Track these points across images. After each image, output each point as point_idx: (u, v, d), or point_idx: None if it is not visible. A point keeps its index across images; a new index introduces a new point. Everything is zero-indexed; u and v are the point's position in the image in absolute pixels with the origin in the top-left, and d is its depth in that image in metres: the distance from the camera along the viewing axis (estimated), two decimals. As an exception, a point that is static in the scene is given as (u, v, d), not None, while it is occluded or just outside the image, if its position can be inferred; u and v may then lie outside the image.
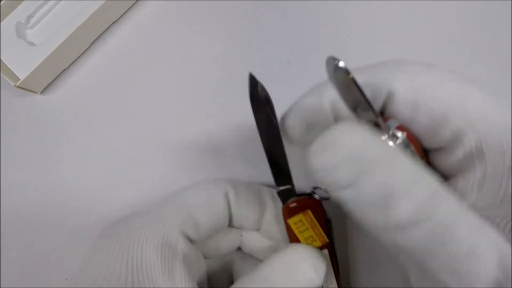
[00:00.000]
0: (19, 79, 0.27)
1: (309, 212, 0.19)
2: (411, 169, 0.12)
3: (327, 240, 0.19)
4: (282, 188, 0.20)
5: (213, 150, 0.27)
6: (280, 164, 0.19)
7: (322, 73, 0.29)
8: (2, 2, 0.28)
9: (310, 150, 0.13)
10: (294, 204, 0.19)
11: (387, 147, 0.12)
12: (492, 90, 0.15)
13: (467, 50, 0.29)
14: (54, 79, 0.29)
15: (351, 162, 0.12)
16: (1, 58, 0.27)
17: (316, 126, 0.18)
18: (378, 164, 0.12)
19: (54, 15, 0.29)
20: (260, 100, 0.18)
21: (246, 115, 0.28)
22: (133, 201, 0.27)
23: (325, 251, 0.20)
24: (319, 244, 0.19)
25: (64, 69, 0.29)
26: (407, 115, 0.15)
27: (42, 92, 0.29)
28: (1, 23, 0.28)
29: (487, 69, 0.28)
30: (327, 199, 0.20)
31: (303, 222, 0.19)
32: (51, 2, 0.29)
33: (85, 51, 0.29)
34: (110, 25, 0.30)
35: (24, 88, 0.27)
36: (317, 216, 0.19)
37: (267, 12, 0.30)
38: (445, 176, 0.16)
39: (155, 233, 0.18)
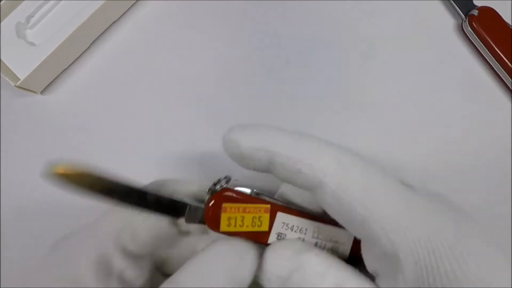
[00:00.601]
0: (19, 79, 0.27)
1: (226, 204, 0.17)
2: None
3: (267, 205, 0.18)
4: (186, 215, 0.17)
5: (213, 151, 0.27)
6: (162, 202, 0.17)
7: (322, 73, 0.29)
8: (2, 2, 0.28)
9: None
10: (209, 214, 0.17)
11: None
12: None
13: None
14: (54, 79, 0.29)
15: None
16: (1, 58, 0.27)
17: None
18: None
19: (54, 15, 0.29)
20: None
21: (246, 115, 0.28)
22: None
23: (278, 214, 0.18)
24: (267, 215, 0.18)
25: (64, 69, 0.29)
26: (334, 206, 0.16)
27: (42, 92, 0.29)
28: (1, 23, 0.28)
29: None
30: (228, 182, 0.18)
31: (231, 217, 0.17)
32: (51, 2, 0.29)
33: (85, 51, 0.29)
34: (110, 25, 0.30)
35: (24, 88, 0.27)
36: (235, 200, 0.17)
37: (267, 12, 0.30)
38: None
39: (90, 248, 0.17)
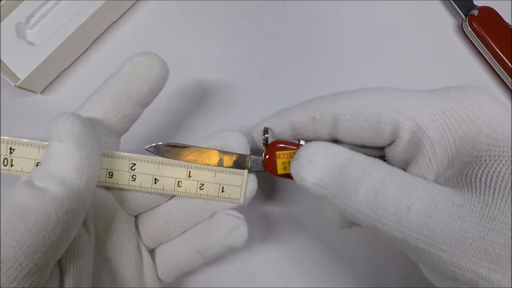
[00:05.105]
0: (19, 79, 0.27)
1: (279, 152, 0.20)
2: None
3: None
4: (249, 166, 0.21)
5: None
6: (231, 158, 0.21)
7: (321, 73, 0.29)
8: (2, 2, 0.28)
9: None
10: (267, 162, 0.21)
11: None
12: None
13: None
14: (54, 79, 0.29)
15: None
16: (1, 58, 0.27)
17: None
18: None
19: (54, 15, 0.29)
20: None
21: (246, 114, 0.28)
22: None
23: None
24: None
25: (64, 69, 0.29)
26: (353, 128, 0.18)
27: (42, 92, 0.29)
28: (1, 23, 0.28)
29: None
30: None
31: (285, 161, 0.21)
32: (51, 2, 0.29)
33: (85, 51, 0.29)
34: (110, 25, 0.30)
35: (24, 88, 0.27)
36: (285, 148, 0.20)
37: (267, 12, 0.30)
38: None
39: None
